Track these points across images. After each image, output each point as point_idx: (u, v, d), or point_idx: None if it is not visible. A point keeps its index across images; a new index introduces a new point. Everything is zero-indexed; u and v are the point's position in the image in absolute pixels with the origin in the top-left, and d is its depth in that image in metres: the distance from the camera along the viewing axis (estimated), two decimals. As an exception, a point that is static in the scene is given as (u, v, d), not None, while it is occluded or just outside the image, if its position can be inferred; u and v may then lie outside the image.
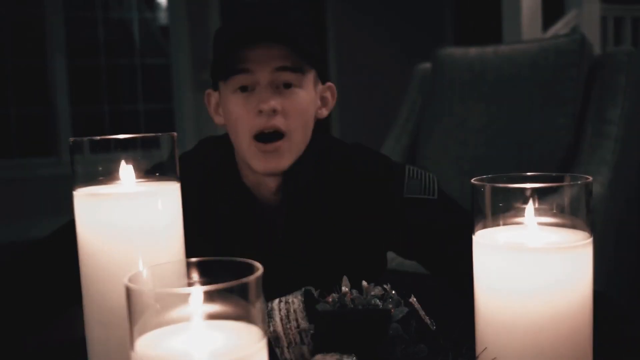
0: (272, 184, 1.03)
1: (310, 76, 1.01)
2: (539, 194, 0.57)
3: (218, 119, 1.08)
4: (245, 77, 0.97)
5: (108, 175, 0.64)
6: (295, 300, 0.66)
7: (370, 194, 1.04)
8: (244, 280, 0.40)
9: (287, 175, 1.02)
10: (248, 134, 0.98)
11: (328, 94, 1.08)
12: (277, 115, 0.97)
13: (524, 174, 0.60)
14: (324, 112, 1.08)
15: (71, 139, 0.63)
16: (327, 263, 1.00)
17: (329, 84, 1.08)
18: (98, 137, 0.63)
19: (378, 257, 1.10)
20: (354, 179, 1.05)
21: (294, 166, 1.02)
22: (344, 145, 1.10)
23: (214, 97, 1.08)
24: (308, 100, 1.01)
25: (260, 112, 0.96)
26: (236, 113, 0.99)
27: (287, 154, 0.99)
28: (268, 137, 0.97)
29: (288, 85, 0.98)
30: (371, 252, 1.07)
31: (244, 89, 0.98)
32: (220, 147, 1.09)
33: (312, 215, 1.03)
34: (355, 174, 1.05)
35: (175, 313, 0.41)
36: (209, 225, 1.04)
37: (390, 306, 0.65)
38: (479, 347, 0.60)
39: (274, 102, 0.96)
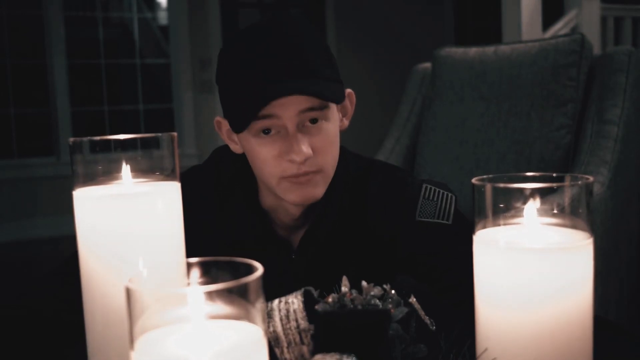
0: (294, 210, 1.00)
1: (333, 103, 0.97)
2: (539, 194, 0.57)
3: (235, 147, 1.03)
4: (269, 121, 0.92)
5: (108, 175, 0.64)
6: (295, 301, 0.66)
7: (384, 215, 1.01)
8: (244, 280, 0.40)
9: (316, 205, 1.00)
10: (276, 176, 0.94)
11: (347, 103, 1.04)
12: (309, 158, 0.92)
13: (524, 174, 0.60)
14: (345, 123, 1.03)
15: (71, 139, 0.63)
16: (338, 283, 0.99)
17: (347, 91, 1.03)
18: (98, 137, 0.63)
19: (390, 276, 1.06)
20: (368, 200, 1.02)
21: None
22: (361, 163, 1.07)
23: (224, 124, 1.02)
24: (335, 128, 0.97)
25: (292, 160, 0.92)
26: (262, 156, 0.94)
27: (322, 183, 0.96)
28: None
29: (314, 120, 0.93)
30: (383, 272, 1.04)
31: (266, 131, 0.93)
32: (235, 161, 1.05)
33: (325, 237, 1.02)
34: (370, 195, 1.02)
35: (175, 313, 0.41)
36: (217, 241, 1.03)
37: (390, 306, 0.65)
38: (479, 347, 0.60)
39: (306, 150, 0.91)
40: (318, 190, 0.96)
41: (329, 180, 0.98)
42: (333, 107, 0.96)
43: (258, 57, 0.91)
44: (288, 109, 0.90)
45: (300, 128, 0.92)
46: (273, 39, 0.92)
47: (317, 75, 0.92)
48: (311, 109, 0.92)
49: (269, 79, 0.90)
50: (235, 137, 1.01)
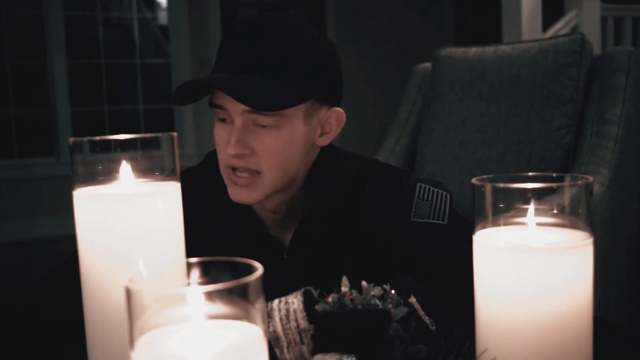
0: (267, 204, 1.01)
1: (298, 112, 0.94)
2: (539, 194, 0.57)
3: None
4: (221, 111, 0.95)
5: (108, 175, 0.64)
6: (295, 301, 0.66)
7: (379, 217, 1.01)
8: (244, 280, 0.40)
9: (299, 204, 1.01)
10: (223, 163, 0.97)
11: (333, 121, 1.01)
12: (247, 156, 0.94)
13: (524, 174, 0.60)
14: (324, 141, 1.01)
15: (71, 139, 0.63)
16: (331, 282, 0.99)
17: (335, 109, 1.00)
18: (98, 137, 0.63)
19: (385, 276, 1.06)
20: (364, 200, 1.02)
21: (308, 195, 0.99)
22: (355, 163, 1.06)
23: None
24: (288, 139, 0.94)
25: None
26: (216, 139, 0.98)
27: (260, 189, 0.96)
28: (240, 170, 0.95)
29: (263, 126, 0.94)
30: (378, 272, 1.04)
31: (222, 119, 0.97)
32: None
33: (317, 236, 1.01)
34: (365, 196, 1.02)
35: (175, 313, 0.41)
36: (211, 242, 1.03)
37: (390, 306, 0.65)
38: (479, 348, 0.60)
39: (240, 148, 0.93)
40: (254, 194, 0.96)
41: (270, 187, 0.96)
42: (294, 115, 0.94)
43: (226, 40, 0.96)
44: (234, 105, 0.93)
45: (247, 128, 0.94)
46: (247, 27, 0.95)
47: (268, 75, 0.92)
48: (257, 112, 0.92)
49: (218, 66, 0.95)
50: None
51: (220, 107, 0.94)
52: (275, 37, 0.93)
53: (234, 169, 0.96)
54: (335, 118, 1.01)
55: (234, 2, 5.65)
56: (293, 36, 0.94)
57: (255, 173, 0.95)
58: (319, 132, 0.99)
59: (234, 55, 0.94)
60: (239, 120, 0.93)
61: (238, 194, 0.96)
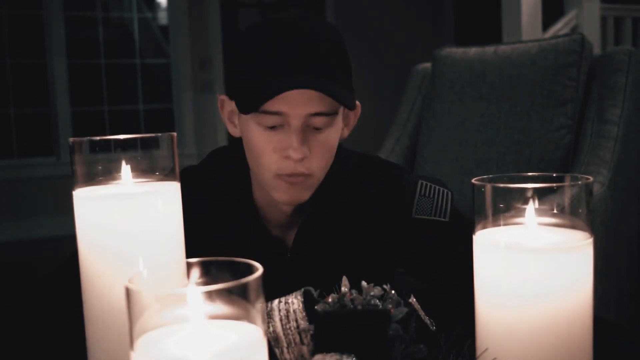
0: (286, 207, 1.01)
1: (341, 109, 0.96)
2: (539, 194, 0.57)
3: (233, 130, 1.02)
4: (274, 118, 0.91)
5: (108, 175, 0.64)
6: (294, 301, 0.66)
7: (380, 214, 1.01)
8: (244, 280, 0.40)
9: (306, 205, 1.00)
10: (272, 171, 0.94)
11: (352, 113, 1.03)
12: (305, 159, 0.93)
13: (524, 174, 0.60)
14: (345, 133, 1.03)
15: (71, 139, 0.63)
16: (334, 282, 0.99)
17: (357, 102, 1.02)
18: (98, 137, 0.63)
19: (387, 274, 1.06)
20: (365, 197, 1.02)
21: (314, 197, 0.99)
22: (356, 160, 1.06)
23: (227, 104, 1.01)
24: (336, 137, 0.97)
25: (288, 157, 0.92)
26: (260, 148, 0.94)
27: (310, 188, 0.97)
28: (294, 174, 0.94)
29: (319, 128, 0.94)
30: (380, 270, 1.04)
31: (270, 126, 0.93)
32: (230, 161, 1.05)
33: (321, 234, 1.02)
34: (366, 194, 1.02)
35: (175, 313, 0.41)
36: (212, 242, 1.03)
37: (390, 306, 0.65)
38: (479, 347, 0.60)
39: (305, 150, 0.91)
40: (306, 194, 0.97)
41: (315, 187, 0.98)
42: (339, 115, 0.96)
43: (282, 46, 0.91)
44: (297, 109, 0.90)
45: (304, 128, 0.92)
46: (300, 33, 0.92)
47: (335, 80, 0.92)
48: (320, 114, 0.91)
49: (289, 69, 0.90)
50: (236, 119, 1.00)
51: (276, 113, 0.91)
52: (325, 38, 0.93)
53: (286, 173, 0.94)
54: (354, 111, 1.03)
55: (234, 2, 5.65)
56: (336, 35, 0.95)
57: (306, 174, 0.94)
58: (342, 125, 1.01)
59: (289, 57, 0.90)
60: (297, 123, 0.91)
61: (290, 194, 0.95)
